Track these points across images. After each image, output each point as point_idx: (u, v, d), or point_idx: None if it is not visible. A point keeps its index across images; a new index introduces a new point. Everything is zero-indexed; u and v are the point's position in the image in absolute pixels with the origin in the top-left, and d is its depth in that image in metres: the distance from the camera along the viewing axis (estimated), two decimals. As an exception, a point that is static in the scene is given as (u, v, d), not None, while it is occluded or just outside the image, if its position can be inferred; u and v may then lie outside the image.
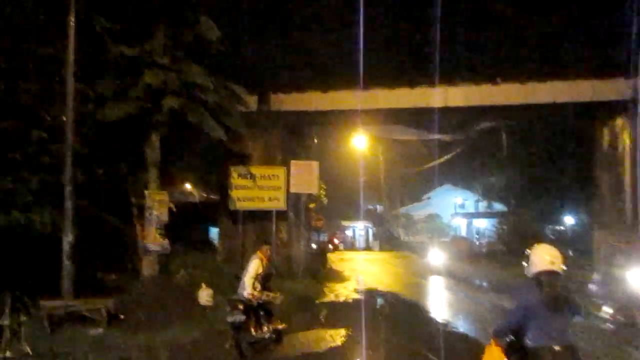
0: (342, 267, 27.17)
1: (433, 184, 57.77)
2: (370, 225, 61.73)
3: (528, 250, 4.21)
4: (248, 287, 7.98)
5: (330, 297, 15.33)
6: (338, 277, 21.87)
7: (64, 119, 10.05)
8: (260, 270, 8.09)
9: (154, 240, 12.21)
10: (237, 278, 8.54)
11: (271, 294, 8.25)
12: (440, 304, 15.85)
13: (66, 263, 9.57)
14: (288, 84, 18.70)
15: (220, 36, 12.50)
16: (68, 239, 9.62)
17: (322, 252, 24.23)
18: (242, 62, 17.77)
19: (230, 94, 13.37)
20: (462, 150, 38.40)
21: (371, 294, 16.98)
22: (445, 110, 18.18)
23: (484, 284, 20.09)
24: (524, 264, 4.20)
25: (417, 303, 15.18)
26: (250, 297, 7.98)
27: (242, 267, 15.97)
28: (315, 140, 25.43)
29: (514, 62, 18.35)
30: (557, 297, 3.97)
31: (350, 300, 15.03)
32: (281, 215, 16.90)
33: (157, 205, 12.30)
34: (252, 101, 17.51)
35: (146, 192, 12.24)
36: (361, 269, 26.56)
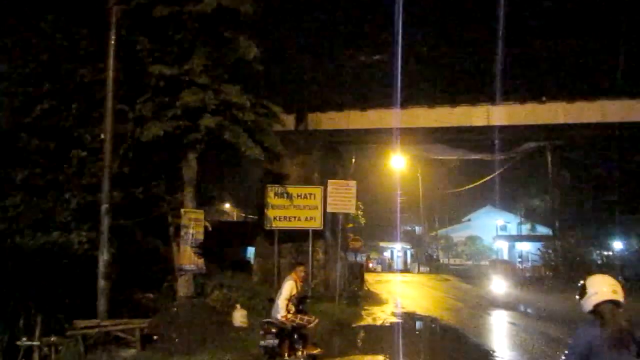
0: (379, 290, 26.62)
1: (473, 205, 56.69)
2: (408, 246, 60.76)
3: (582, 282, 3.64)
4: (281, 309, 7.71)
5: (367, 321, 14.88)
6: (376, 299, 21.38)
7: (102, 136, 10.09)
8: (294, 292, 7.81)
9: (189, 259, 12.09)
10: (271, 300, 8.29)
11: (305, 317, 7.94)
12: (483, 330, 15.16)
13: (102, 282, 9.52)
14: (326, 103, 18.56)
15: (258, 55, 12.44)
16: (104, 257, 9.58)
17: (359, 274, 23.72)
18: (280, 81, 17.71)
19: (267, 112, 13.27)
20: (505, 171, 37.47)
21: (410, 317, 16.45)
22: (488, 130, 17.71)
23: (529, 310, 19.22)
24: (577, 297, 3.68)
25: (458, 328, 14.55)
26: (283, 319, 7.71)
27: (277, 288, 15.87)
28: (353, 160, 25.23)
29: (560, 79, 17.66)
30: (622, 331, 3.38)
31: (388, 324, 14.55)
32: (318, 235, 16.65)
33: (193, 224, 12.20)
34: (290, 121, 17.46)
35: (182, 210, 12.17)
36: (399, 292, 25.95)
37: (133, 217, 13.06)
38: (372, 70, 18.90)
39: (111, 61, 9.77)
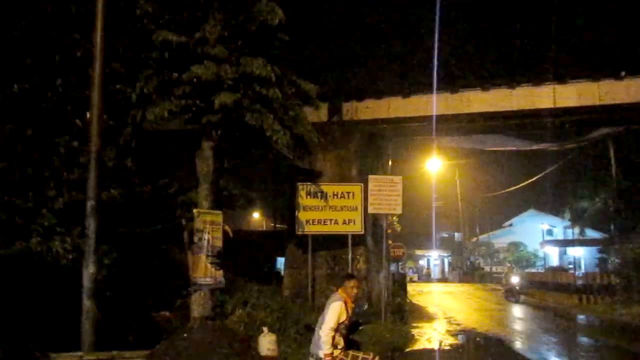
0: (423, 302, 24.11)
1: (514, 209, 53.37)
2: (445, 254, 57.70)
3: None
4: (325, 344, 5.31)
5: (422, 343, 12.34)
6: (423, 314, 18.84)
7: (88, 116, 7.91)
8: (344, 318, 5.39)
9: (205, 272, 9.82)
10: (309, 329, 5.90)
11: (360, 355, 5.52)
12: (561, 351, 12.46)
13: (86, 303, 7.29)
14: (363, 90, 16.20)
15: (284, 20, 10.15)
16: (89, 270, 7.34)
17: (402, 286, 21.20)
18: (310, 63, 15.45)
19: (297, 91, 10.95)
20: (554, 171, 34.49)
21: (471, 337, 13.85)
22: (555, 113, 15.10)
23: (604, 324, 16.42)
24: None
25: (534, 350, 11.93)
26: (329, 359, 5.30)
27: (312, 305, 13.47)
28: (390, 162, 22.82)
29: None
30: None
31: (448, 348, 11.99)
32: (358, 241, 14.22)
33: (209, 229, 9.93)
34: (323, 111, 15.19)
35: (195, 211, 9.92)
36: (446, 305, 23.24)
37: (140, 221, 10.97)
38: (416, 51, 16.42)
39: (99, 10, 7.56)
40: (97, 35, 7.36)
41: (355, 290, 5.60)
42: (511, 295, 25.13)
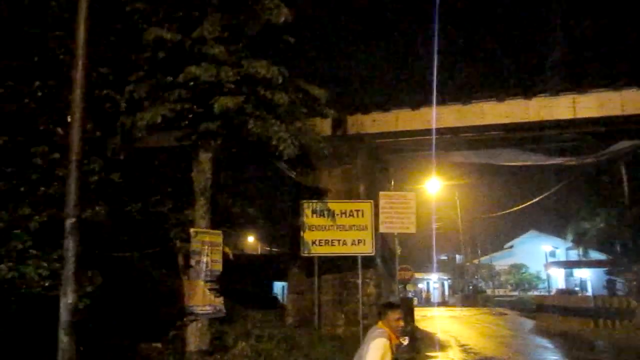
0: (430, 328, 22.79)
1: (514, 231, 52.37)
2: (445, 277, 56.39)
3: None
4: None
5: (443, 377, 11.13)
6: (434, 342, 17.56)
7: (69, 119, 6.79)
8: (388, 359, 4.24)
9: (203, 299, 8.69)
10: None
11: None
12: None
13: (63, 339, 6.05)
14: (369, 102, 15.27)
15: (290, 19, 9.21)
16: (67, 300, 6.13)
17: (410, 311, 19.97)
18: (313, 74, 14.48)
19: (305, 97, 9.94)
20: (555, 191, 33.63)
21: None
22: (574, 124, 14.19)
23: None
24: None
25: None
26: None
27: (320, 334, 12.26)
28: (392, 182, 21.88)
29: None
30: None
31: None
32: (368, 263, 13.08)
33: (208, 250, 8.83)
34: (326, 124, 14.20)
35: (192, 231, 8.81)
36: (455, 331, 21.95)
37: (127, 241, 9.82)
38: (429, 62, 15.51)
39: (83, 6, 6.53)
40: (81, 22, 6.29)
41: (401, 323, 4.48)
42: None
